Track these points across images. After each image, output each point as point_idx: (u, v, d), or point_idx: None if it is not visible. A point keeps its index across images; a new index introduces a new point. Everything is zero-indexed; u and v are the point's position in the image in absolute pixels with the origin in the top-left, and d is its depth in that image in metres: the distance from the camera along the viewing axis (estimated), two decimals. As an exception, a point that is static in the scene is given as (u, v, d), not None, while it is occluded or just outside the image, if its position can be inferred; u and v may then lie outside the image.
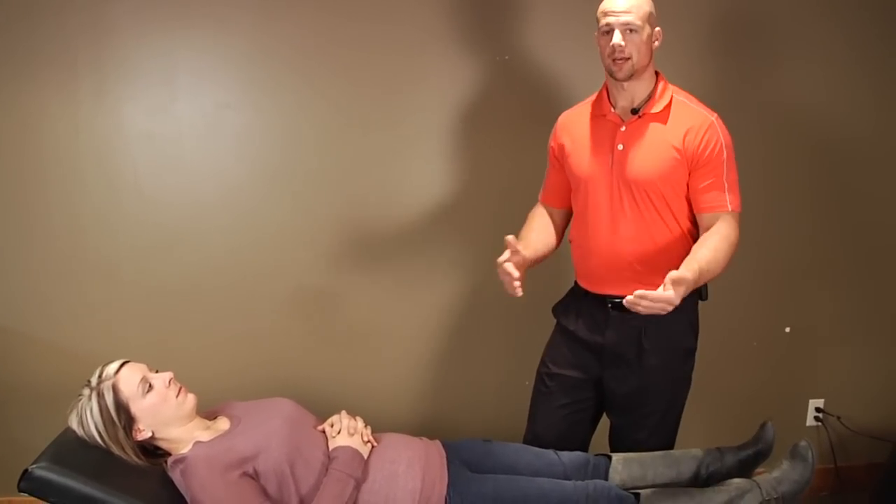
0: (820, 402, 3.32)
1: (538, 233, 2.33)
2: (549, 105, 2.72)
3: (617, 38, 2.03)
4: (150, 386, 1.97)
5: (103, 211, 2.63)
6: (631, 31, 2.03)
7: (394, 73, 2.73)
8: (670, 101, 2.14)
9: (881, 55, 3.06)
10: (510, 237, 2.08)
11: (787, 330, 3.22)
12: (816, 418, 3.32)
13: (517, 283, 2.09)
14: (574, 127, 2.28)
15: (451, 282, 2.92)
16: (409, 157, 2.80)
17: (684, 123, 2.11)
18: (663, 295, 1.85)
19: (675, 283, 1.86)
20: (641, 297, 1.86)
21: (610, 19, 2.05)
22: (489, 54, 2.78)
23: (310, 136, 2.72)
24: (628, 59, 2.05)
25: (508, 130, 2.83)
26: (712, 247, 2.05)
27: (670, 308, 1.88)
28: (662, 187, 2.12)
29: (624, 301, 1.89)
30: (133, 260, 2.67)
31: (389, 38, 2.70)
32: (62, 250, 2.63)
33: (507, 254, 2.09)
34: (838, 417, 3.30)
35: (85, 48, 2.52)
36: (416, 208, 2.84)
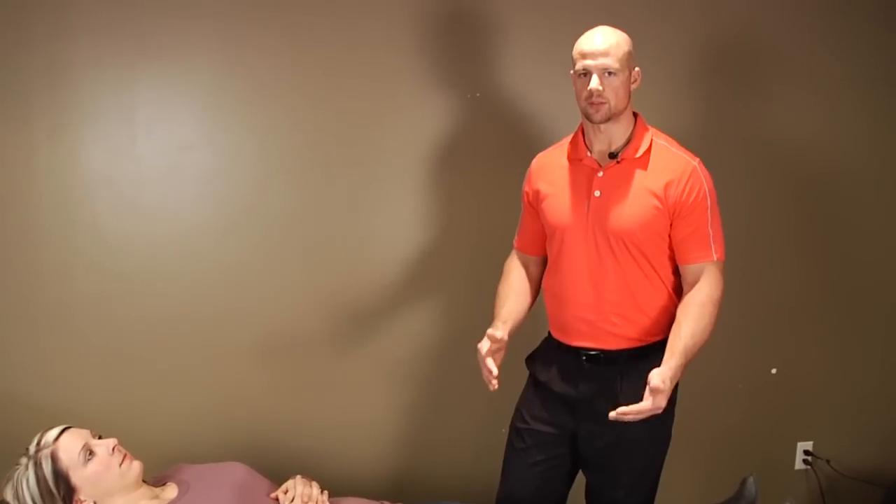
0: (808, 445, 3.24)
1: (515, 300, 2.24)
2: (523, 145, 2.64)
3: (594, 82, 1.95)
4: (92, 453, 1.85)
5: (60, 255, 2.51)
6: (609, 74, 1.95)
7: (362, 109, 2.64)
8: (650, 146, 2.05)
9: (873, 86, 3.02)
10: (496, 333, 2.05)
11: (774, 371, 3.14)
12: (805, 461, 3.24)
13: (495, 380, 2.06)
14: (549, 171, 2.19)
15: (423, 328, 2.81)
16: (377, 197, 2.71)
17: (665, 170, 2.02)
18: (645, 407, 1.88)
19: (655, 391, 1.87)
20: (623, 413, 1.89)
21: (587, 62, 1.96)
22: (460, 91, 2.70)
23: (275, 176, 2.62)
24: (605, 102, 1.96)
25: (481, 170, 2.75)
26: (692, 323, 1.99)
27: (660, 411, 1.90)
28: (641, 237, 2.03)
29: (610, 416, 1.90)
30: (91, 305, 2.55)
31: (356, 74, 2.61)
32: (17, 295, 2.50)
33: (487, 342, 2.06)
34: (828, 461, 3.21)
35: (40, 87, 2.41)
36: (385, 251, 2.75)
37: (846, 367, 3.20)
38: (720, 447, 3.12)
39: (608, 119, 2.00)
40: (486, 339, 2.08)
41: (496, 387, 2.07)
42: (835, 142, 3.03)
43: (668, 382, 1.88)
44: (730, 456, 3.12)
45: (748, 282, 2.98)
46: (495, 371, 2.06)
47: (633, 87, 2.04)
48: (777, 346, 3.13)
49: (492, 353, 2.07)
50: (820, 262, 3.11)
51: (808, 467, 3.23)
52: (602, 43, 1.95)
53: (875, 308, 3.19)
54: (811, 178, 3.03)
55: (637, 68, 2.03)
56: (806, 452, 3.23)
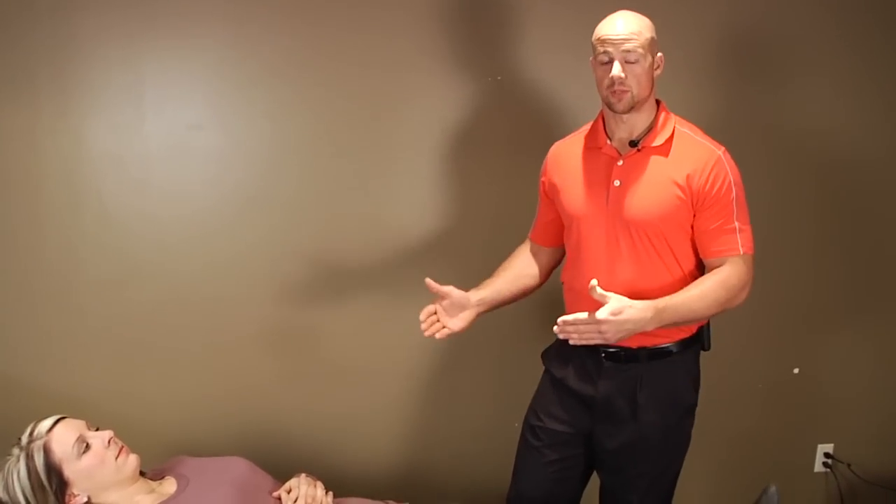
0: (829, 448, 3.15)
1: (508, 274, 2.22)
2: (543, 130, 2.57)
3: (616, 69, 1.85)
4: (88, 446, 1.78)
5: (65, 235, 2.44)
6: (631, 60, 1.85)
7: (377, 91, 2.56)
8: (672, 134, 1.96)
9: (896, 77, 2.91)
10: (428, 281, 2.07)
11: (796, 371, 3.05)
12: (825, 464, 3.15)
13: (428, 327, 2.11)
14: (567, 160, 2.10)
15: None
16: (391, 181, 2.63)
17: (688, 159, 1.93)
18: (589, 320, 1.81)
19: (614, 312, 1.79)
20: (564, 322, 1.83)
21: (609, 48, 1.86)
22: (480, 73, 2.61)
23: (285, 158, 2.55)
24: (628, 91, 1.87)
25: (499, 156, 2.66)
26: (700, 289, 1.91)
27: (599, 339, 1.82)
28: (663, 227, 1.94)
29: (555, 330, 1.85)
30: (95, 288, 2.48)
31: (372, 55, 2.53)
32: (20, 277, 2.44)
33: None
34: (848, 464, 3.12)
35: (45, 64, 2.34)
36: (398, 237, 2.67)
37: (870, 367, 3.11)
38: (738, 448, 3.03)
39: (631, 108, 1.91)
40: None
41: (431, 334, 2.12)
42: (858, 133, 2.92)
43: (618, 315, 1.80)
44: (748, 457, 3.04)
45: (770, 278, 2.87)
46: (424, 318, 2.11)
47: (657, 73, 1.94)
48: (799, 346, 3.03)
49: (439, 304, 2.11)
50: (844, 258, 3.01)
51: (828, 470, 3.14)
52: (624, 28, 1.86)
53: (900, 308, 3.09)
54: (834, 170, 2.94)
55: (660, 54, 1.94)
56: (826, 455, 3.13)
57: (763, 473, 3.06)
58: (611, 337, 1.81)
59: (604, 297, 1.81)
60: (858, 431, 3.14)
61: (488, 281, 2.19)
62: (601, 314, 1.79)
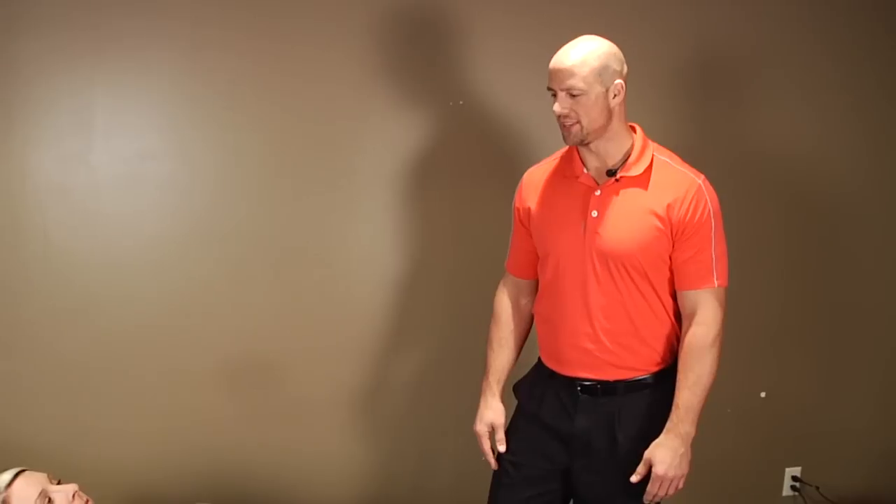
0: (797, 471, 3.15)
1: (508, 352, 2.16)
2: (509, 157, 2.55)
3: (557, 105, 1.85)
4: (50, 501, 1.67)
5: (7, 271, 2.33)
6: (574, 95, 1.82)
7: (335, 117, 2.50)
8: (651, 163, 1.92)
9: (876, 98, 2.95)
10: (492, 423, 2.11)
11: (763, 395, 3.04)
12: (793, 487, 3.15)
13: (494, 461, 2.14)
14: (541, 188, 2.04)
15: (399, 350, 2.67)
16: (351, 211, 2.57)
17: (668, 188, 1.89)
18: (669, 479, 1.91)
19: (654, 463, 1.90)
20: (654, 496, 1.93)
21: (552, 82, 1.85)
22: (442, 98, 2.57)
23: (242, 190, 2.47)
24: (575, 123, 1.85)
25: (463, 184, 2.63)
26: (690, 374, 1.94)
27: (679, 483, 1.94)
28: (642, 259, 1.89)
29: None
30: (42, 327, 2.37)
31: (331, 80, 2.48)
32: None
33: (484, 428, 2.12)
34: (817, 487, 3.11)
35: (-16, 85, 2.25)
36: (359, 269, 2.61)
37: (836, 391, 3.13)
38: (707, 473, 2.96)
39: (582, 141, 1.89)
40: (482, 424, 2.11)
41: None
42: (828, 155, 2.95)
43: (672, 468, 1.90)
44: (717, 482, 3.01)
45: (738, 303, 2.81)
46: (493, 462, 2.14)
47: (615, 101, 1.87)
48: (767, 370, 3.04)
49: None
50: (810, 284, 3.04)
51: (797, 493, 3.15)
52: (566, 61, 1.83)
53: (866, 331, 3.13)
54: (802, 194, 2.95)
55: (618, 81, 1.86)
56: (794, 478, 3.14)
57: (732, 498, 3.05)
58: (682, 472, 1.93)
59: (645, 467, 1.92)
60: (825, 454, 3.15)
61: (496, 367, 2.15)
62: (658, 471, 1.90)
